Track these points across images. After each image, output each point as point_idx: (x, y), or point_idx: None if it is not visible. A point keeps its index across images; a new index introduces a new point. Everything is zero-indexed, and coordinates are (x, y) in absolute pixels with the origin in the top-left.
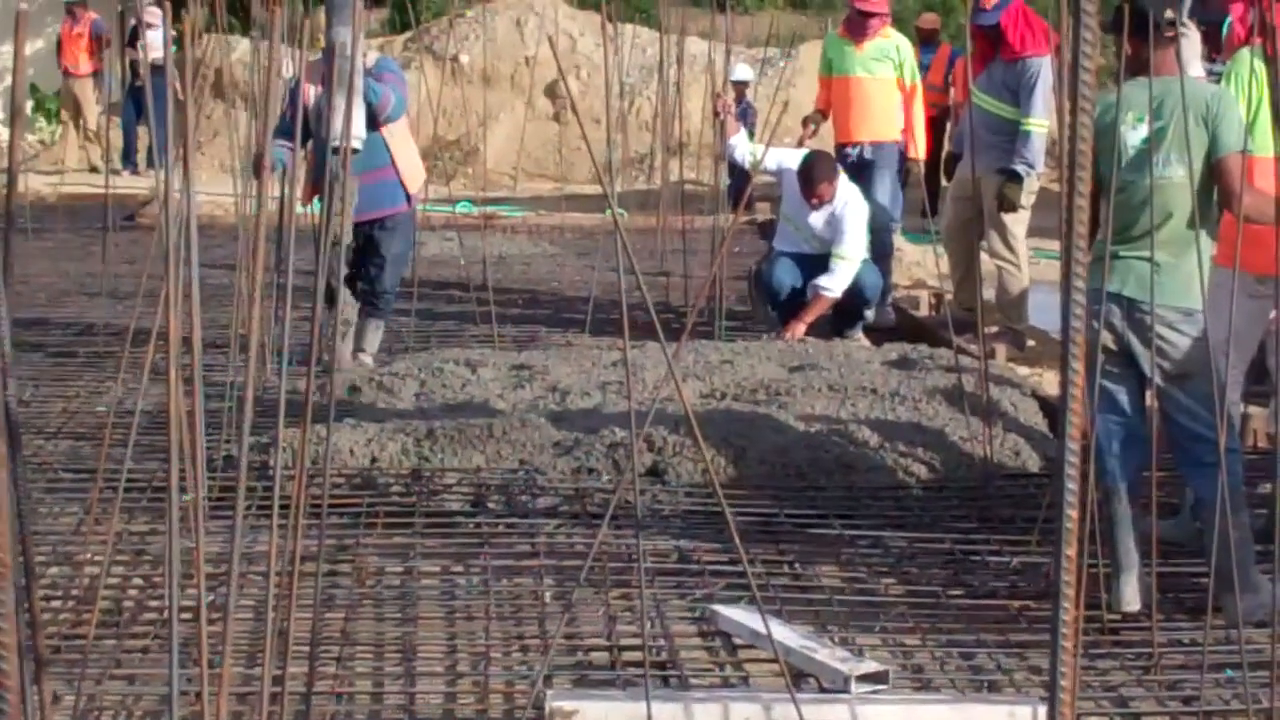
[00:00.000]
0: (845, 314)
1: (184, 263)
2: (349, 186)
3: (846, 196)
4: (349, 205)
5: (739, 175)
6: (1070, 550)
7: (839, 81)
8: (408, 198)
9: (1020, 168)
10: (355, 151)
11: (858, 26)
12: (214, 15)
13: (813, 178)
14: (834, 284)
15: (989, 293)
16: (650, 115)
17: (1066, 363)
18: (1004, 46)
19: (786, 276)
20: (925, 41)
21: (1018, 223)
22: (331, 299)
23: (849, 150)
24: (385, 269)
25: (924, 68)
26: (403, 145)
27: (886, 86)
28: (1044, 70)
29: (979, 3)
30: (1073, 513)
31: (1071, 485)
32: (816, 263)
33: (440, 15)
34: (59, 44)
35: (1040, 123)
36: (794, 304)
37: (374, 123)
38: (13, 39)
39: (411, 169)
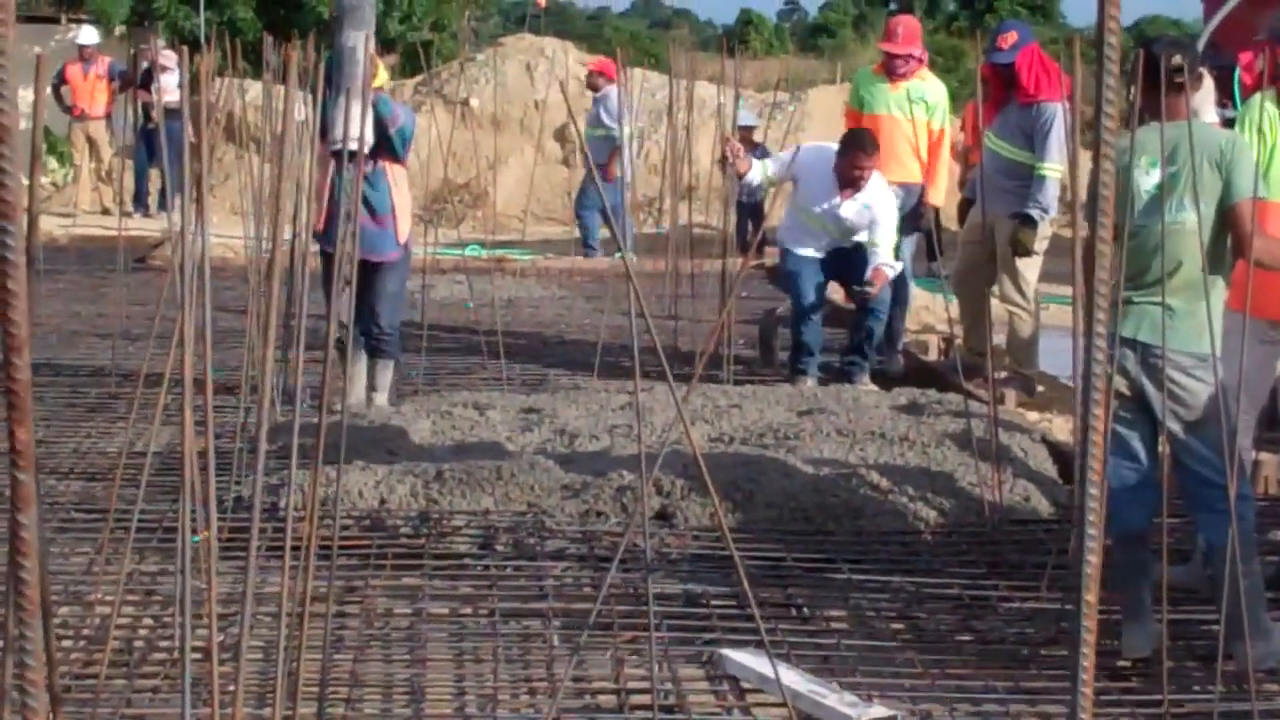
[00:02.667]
0: (855, 326)
1: (197, 304)
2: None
3: (880, 188)
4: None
5: (747, 218)
6: (1090, 596)
7: (869, 119)
8: (400, 244)
9: (1034, 212)
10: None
11: (891, 66)
12: (226, 59)
13: (864, 145)
14: (888, 260)
15: (999, 338)
16: (659, 159)
17: (1087, 406)
18: (1018, 89)
19: (815, 276)
20: None
21: (1030, 268)
22: (342, 345)
23: None
24: (384, 307)
25: None
26: (402, 194)
27: (916, 128)
28: (1058, 115)
29: (995, 42)
30: (1093, 558)
31: (1093, 531)
32: (835, 258)
33: (450, 60)
34: (57, 87)
35: (1055, 168)
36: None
37: (383, 140)
38: (26, 85)
39: (405, 217)
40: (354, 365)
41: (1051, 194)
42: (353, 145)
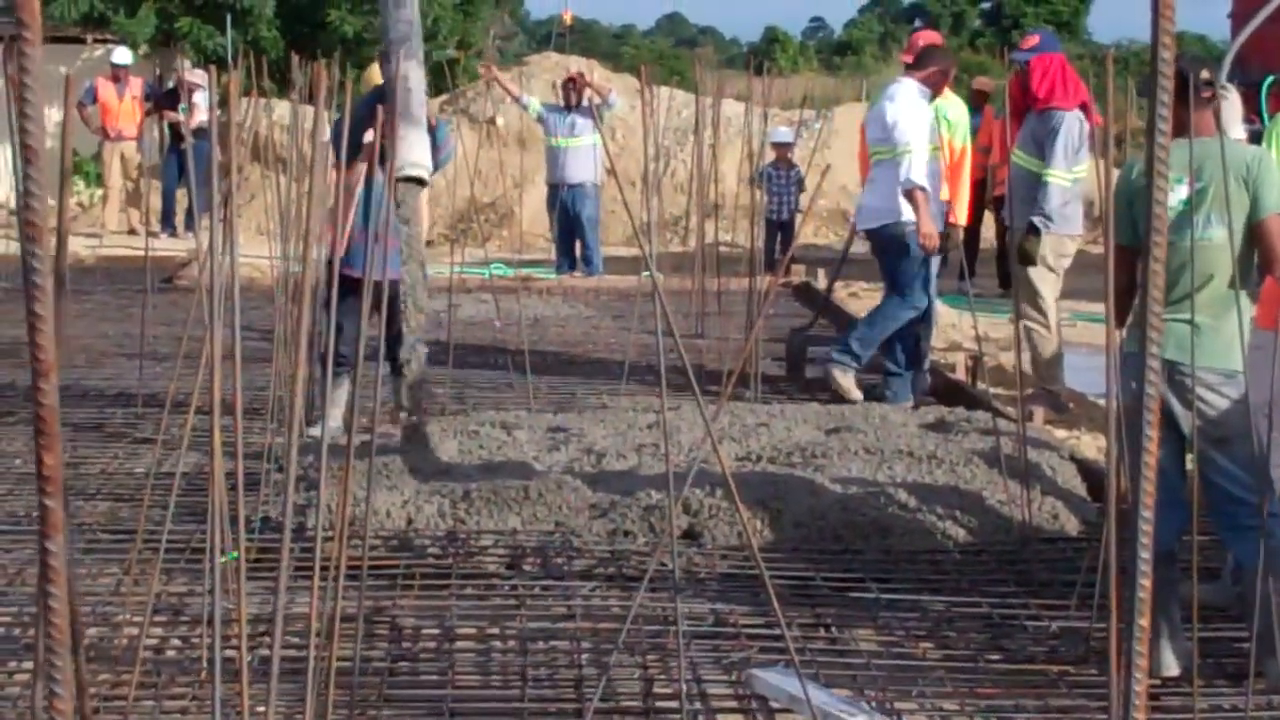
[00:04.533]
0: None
1: (224, 324)
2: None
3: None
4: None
5: (775, 236)
6: (1144, 620)
7: None
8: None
9: (1037, 220)
10: (422, 182)
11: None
12: (251, 78)
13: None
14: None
15: (1025, 355)
16: (685, 177)
17: (1141, 428)
18: (1029, 93)
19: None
20: (975, 105)
21: (1043, 282)
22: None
23: None
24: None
25: (972, 130)
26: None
27: (942, 146)
28: (1066, 122)
29: (1021, 41)
30: (1146, 582)
31: (1144, 554)
32: None
33: (476, 79)
34: (83, 106)
35: (1059, 174)
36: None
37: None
38: (52, 104)
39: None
40: (336, 390)
41: (1055, 201)
42: (417, 172)
